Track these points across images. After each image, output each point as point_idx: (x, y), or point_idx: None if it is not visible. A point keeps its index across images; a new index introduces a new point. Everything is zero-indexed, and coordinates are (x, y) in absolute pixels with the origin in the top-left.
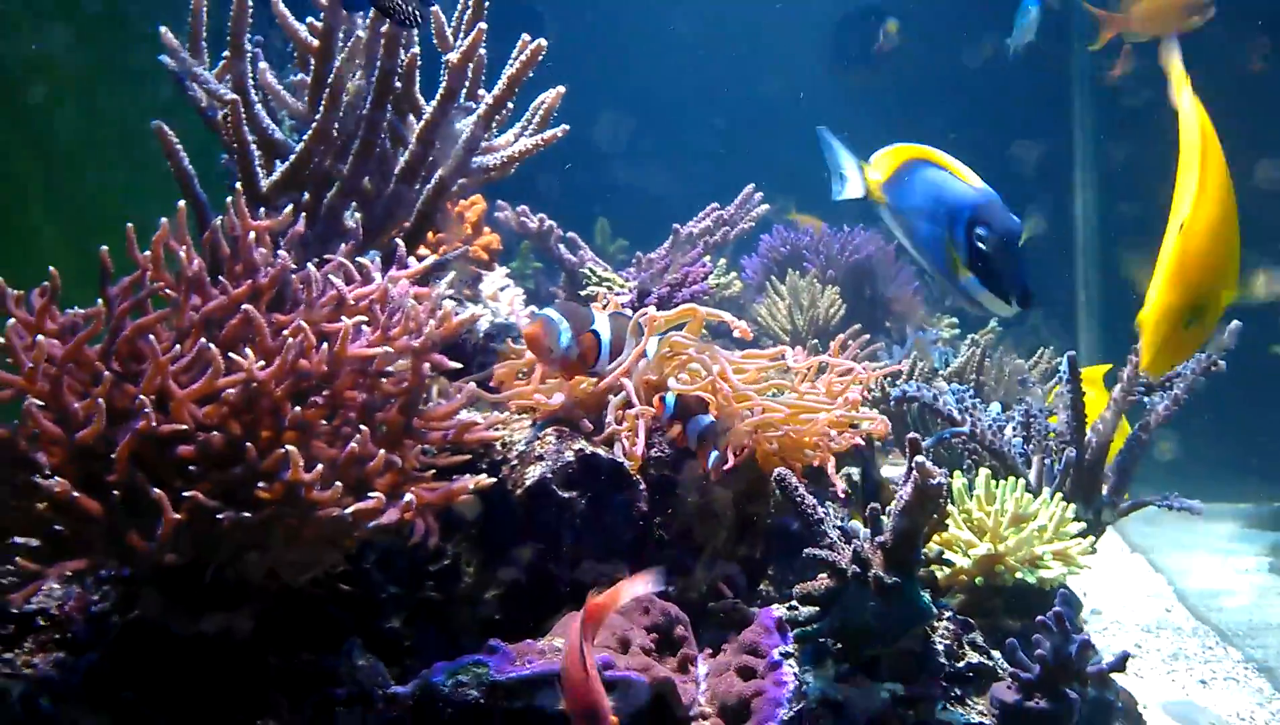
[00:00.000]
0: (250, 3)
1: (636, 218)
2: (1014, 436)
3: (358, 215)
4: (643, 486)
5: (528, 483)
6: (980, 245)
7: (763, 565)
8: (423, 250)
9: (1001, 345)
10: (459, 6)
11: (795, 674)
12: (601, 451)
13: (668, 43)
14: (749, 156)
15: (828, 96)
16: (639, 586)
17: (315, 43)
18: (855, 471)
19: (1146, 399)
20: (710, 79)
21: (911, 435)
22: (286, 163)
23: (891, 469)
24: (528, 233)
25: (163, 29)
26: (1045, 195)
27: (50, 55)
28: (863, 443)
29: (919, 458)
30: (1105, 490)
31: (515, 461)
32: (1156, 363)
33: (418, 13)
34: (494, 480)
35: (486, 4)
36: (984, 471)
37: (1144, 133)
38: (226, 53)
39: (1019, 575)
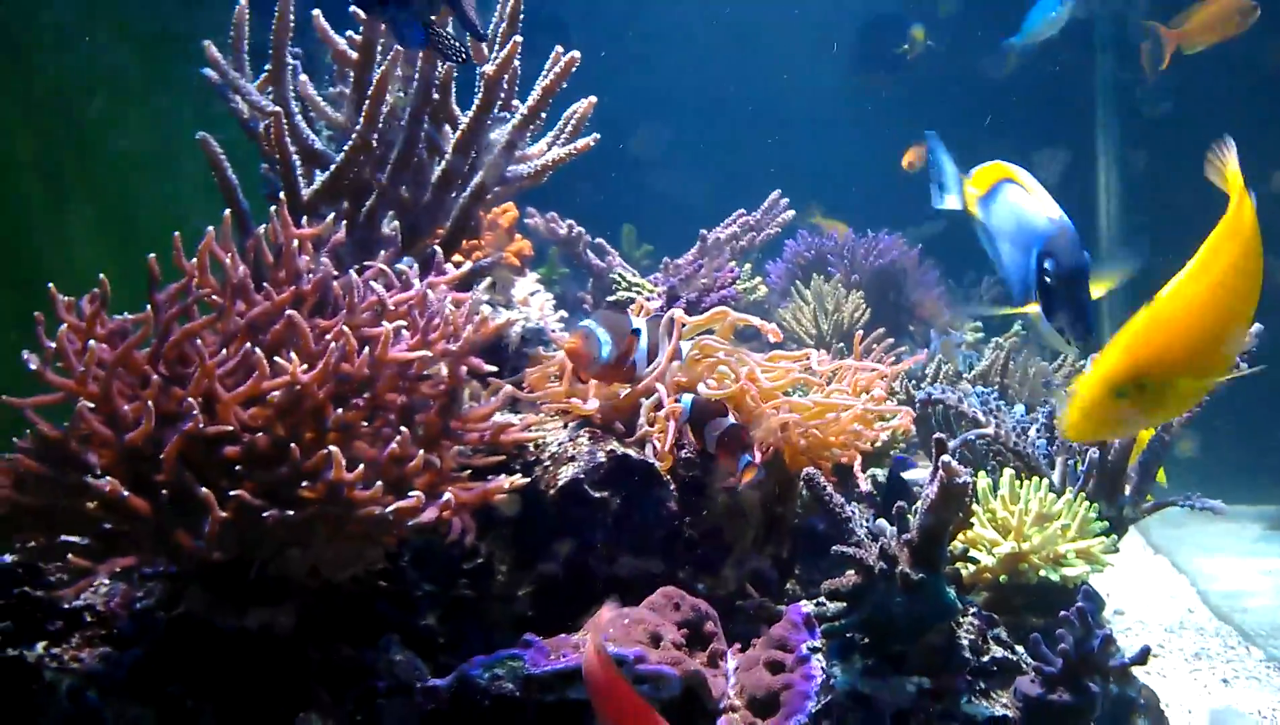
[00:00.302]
0: (291, 17)
1: (661, 224)
2: (1038, 438)
3: (395, 223)
4: (673, 486)
5: (561, 483)
6: (1046, 278)
7: (790, 564)
8: (456, 257)
9: (1026, 348)
10: (494, 20)
11: (823, 668)
12: (633, 452)
13: (690, 50)
14: (772, 161)
15: (850, 102)
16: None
17: (355, 55)
18: (880, 473)
19: None
20: (734, 85)
21: (938, 435)
22: (327, 172)
23: (915, 473)
24: (557, 239)
25: (206, 43)
26: (1066, 202)
27: (104, 71)
28: (887, 438)
29: (945, 457)
30: (1128, 490)
31: (548, 462)
32: (1075, 426)
33: (464, 49)
34: (528, 480)
35: (521, 19)
36: (1008, 471)
37: (1164, 143)
38: (268, 66)
39: (1042, 573)
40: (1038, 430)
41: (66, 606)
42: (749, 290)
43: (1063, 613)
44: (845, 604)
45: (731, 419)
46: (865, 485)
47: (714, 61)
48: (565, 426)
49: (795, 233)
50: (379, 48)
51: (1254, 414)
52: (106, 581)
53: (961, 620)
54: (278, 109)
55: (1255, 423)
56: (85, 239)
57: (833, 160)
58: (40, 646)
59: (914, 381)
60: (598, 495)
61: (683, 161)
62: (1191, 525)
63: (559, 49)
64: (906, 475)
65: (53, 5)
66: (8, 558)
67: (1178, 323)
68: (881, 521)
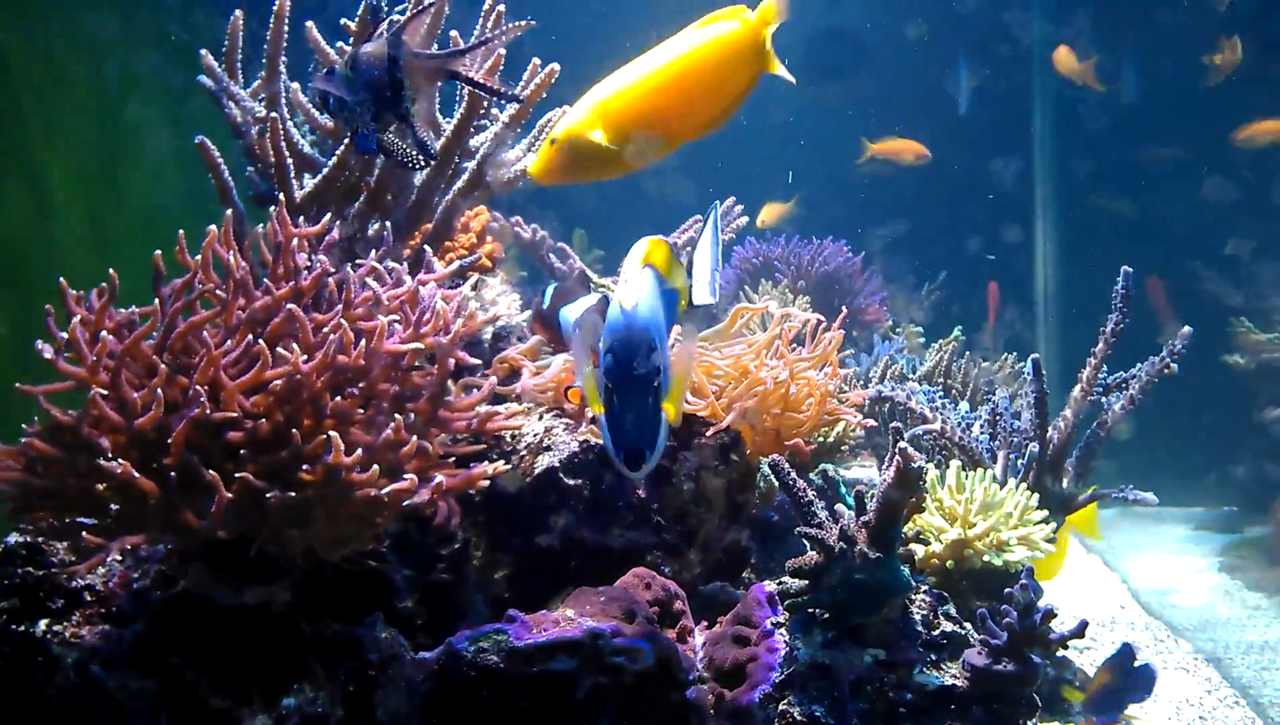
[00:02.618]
0: (286, 28)
1: (611, 230)
2: (981, 433)
3: (387, 223)
4: None
5: (537, 471)
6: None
7: (746, 553)
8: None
9: (967, 352)
10: (477, 29)
11: (786, 641)
12: None
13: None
14: (722, 168)
15: (801, 110)
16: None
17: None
18: (831, 468)
19: (1104, 399)
20: None
21: (894, 423)
22: (319, 176)
23: (861, 471)
24: (521, 242)
25: (203, 51)
26: (1016, 207)
27: (141, 76)
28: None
29: (902, 443)
30: (1065, 483)
31: (524, 452)
32: (541, 166)
33: (420, 156)
34: (510, 467)
35: (503, 34)
36: (955, 463)
37: (1104, 152)
38: (262, 73)
39: (986, 558)
40: (981, 426)
41: (70, 585)
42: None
43: (1007, 590)
44: (807, 581)
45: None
46: (816, 481)
47: None
48: (540, 417)
49: (744, 240)
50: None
51: (1183, 419)
52: (103, 566)
53: (914, 597)
54: (275, 115)
55: (1183, 428)
56: (73, 240)
57: (794, 165)
58: (43, 624)
59: (862, 382)
60: (571, 482)
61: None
62: (1122, 527)
63: (536, 61)
64: (846, 475)
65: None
66: (12, 538)
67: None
68: (840, 506)
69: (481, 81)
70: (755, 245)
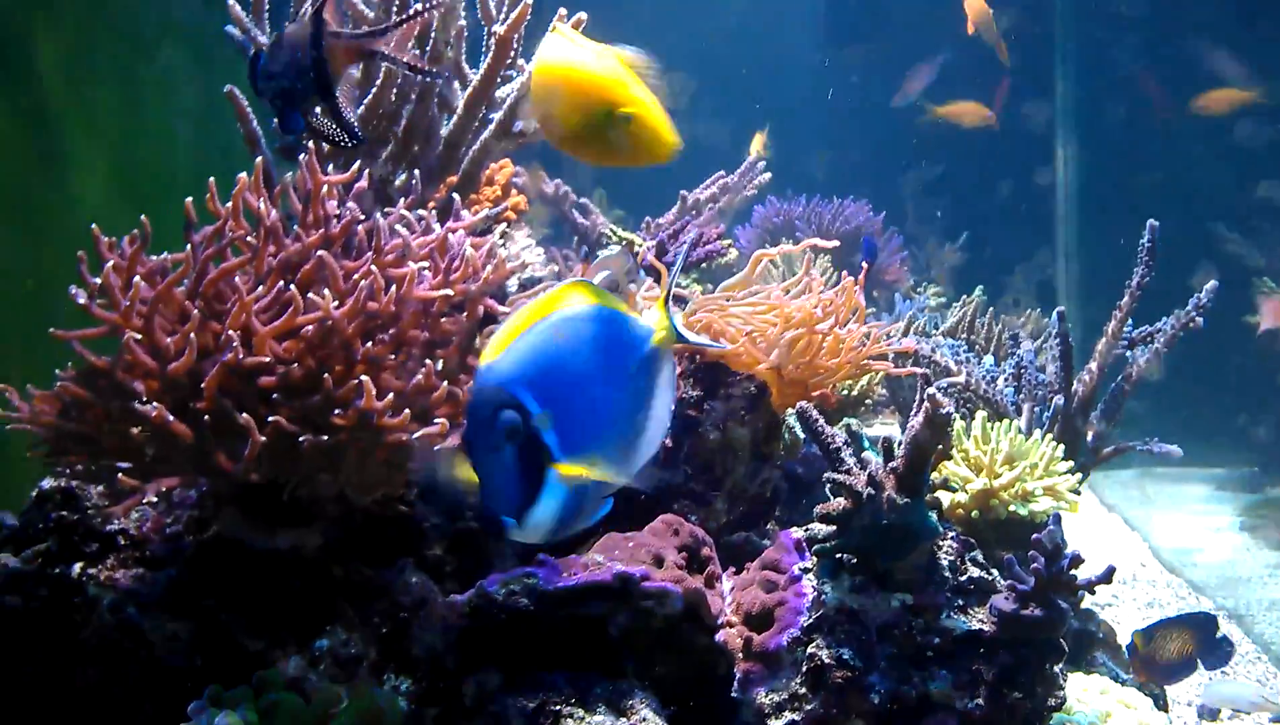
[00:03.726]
0: None
1: (632, 189)
2: (1005, 386)
3: (416, 172)
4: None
5: None
6: None
7: (772, 503)
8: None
9: (990, 309)
10: None
11: (814, 586)
12: None
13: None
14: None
15: (816, 72)
16: None
17: (371, 14)
18: (855, 422)
19: (1129, 353)
20: (704, 54)
21: (923, 370)
22: None
23: (884, 428)
24: (544, 197)
25: (231, 2)
26: (1047, 150)
27: (175, 71)
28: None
29: (931, 389)
30: (1090, 436)
31: None
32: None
33: (348, 135)
34: None
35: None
36: (980, 414)
37: (1136, 96)
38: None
39: (1012, 508)
40: (1005, 379)
41: (105, 530)
42: (720, 255)
43: (1035, 536)
44: (835, 527)
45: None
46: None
47: (687, 25)
48: None
49: (765, 199)
50: (394, 8)
51: (1204, 380)
52: (136, 509)
53: (941, 543)
54: None
55: (1205, 388)
56: (94, 192)
57: (828, 110)
58: (78, 567)
59: (885, 338)
60: None
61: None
62: (1143, 486)
63: (563, 10)
64: (869, 433)
65: None
66: (47, 483)
67: None
68: (867, 453)
69: (401, 60)
70: (776, 204)
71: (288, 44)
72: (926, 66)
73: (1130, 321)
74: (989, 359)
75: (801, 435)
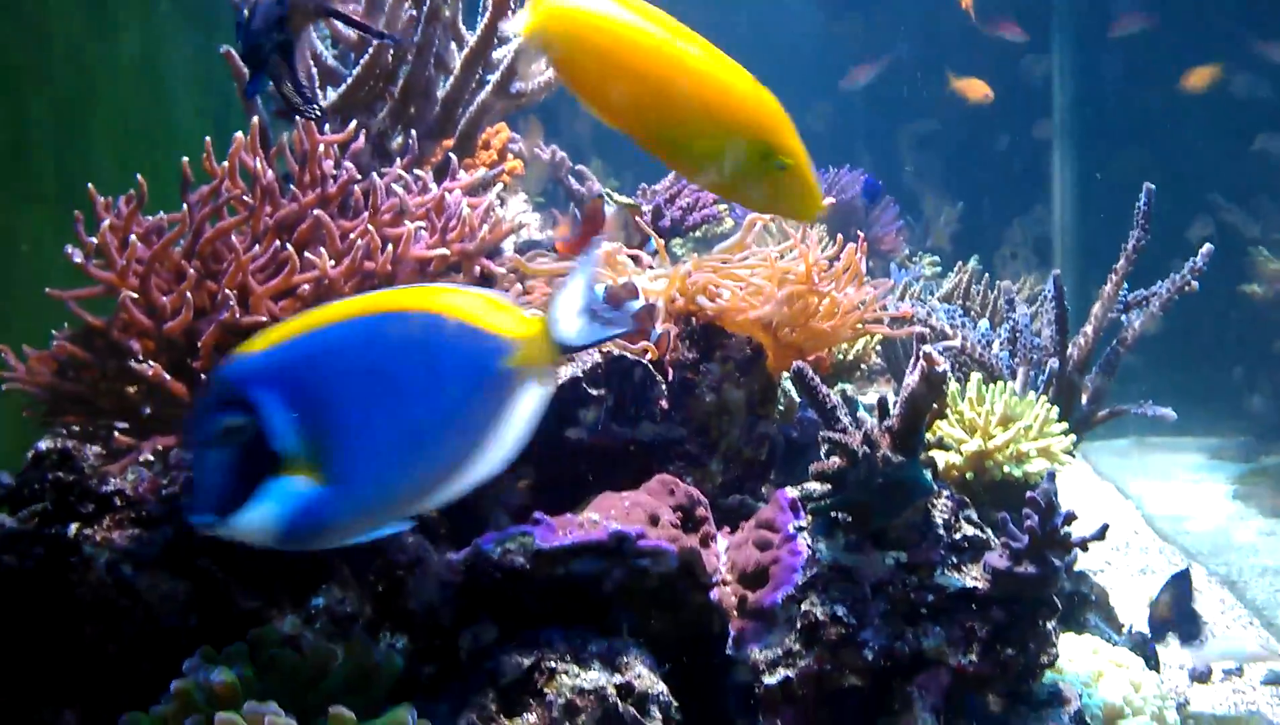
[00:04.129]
0: None
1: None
2: (1001, 351)
3: (413, 132)
4: (664, 386)
5: (560, 381)
6: None
7: (767, 466)
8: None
9: (985, 275)
10: None
11: (809, 544)
12: (628, 354)
13: None
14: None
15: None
16: None
17: None
18: (850, 387)
19: (1124, 316)
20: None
21: (919, 329)
22: (344, 85)
23: (878, 397)
24: (541, 163)
25: None
26: (1045, 105)
27: (173, 29)
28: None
29: (926, 347)
30: (1084, 398)
31: None
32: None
33: (312, 106)
34: None
35: None
36: (975, 376)
37: (1134, 51)
38: None
39: (1006, 469)
40: (1001, 344)
41: (101, 490)
42: (716, 221)
43: (1029, 494)
44: (830, 485)
45: (642, 300)
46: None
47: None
48: None
49: None
50: None
51: (1200, 349)
52: (133, 471)
53: (936, 502)
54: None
55: (1200, 357)
56: (99, 153)
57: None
58: (74, 527)
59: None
60: (595, 393)
61: None
62: (1136, 455)
63: None
64: (864, 401)
65: None
66: (43, 444)
67: None
68: (863, 413)
69: (359, 20)
70: None
71: (261, 6)
72: (873, 65)
73: (1126, 285)
74: (984, 323)
75: (797, 399)
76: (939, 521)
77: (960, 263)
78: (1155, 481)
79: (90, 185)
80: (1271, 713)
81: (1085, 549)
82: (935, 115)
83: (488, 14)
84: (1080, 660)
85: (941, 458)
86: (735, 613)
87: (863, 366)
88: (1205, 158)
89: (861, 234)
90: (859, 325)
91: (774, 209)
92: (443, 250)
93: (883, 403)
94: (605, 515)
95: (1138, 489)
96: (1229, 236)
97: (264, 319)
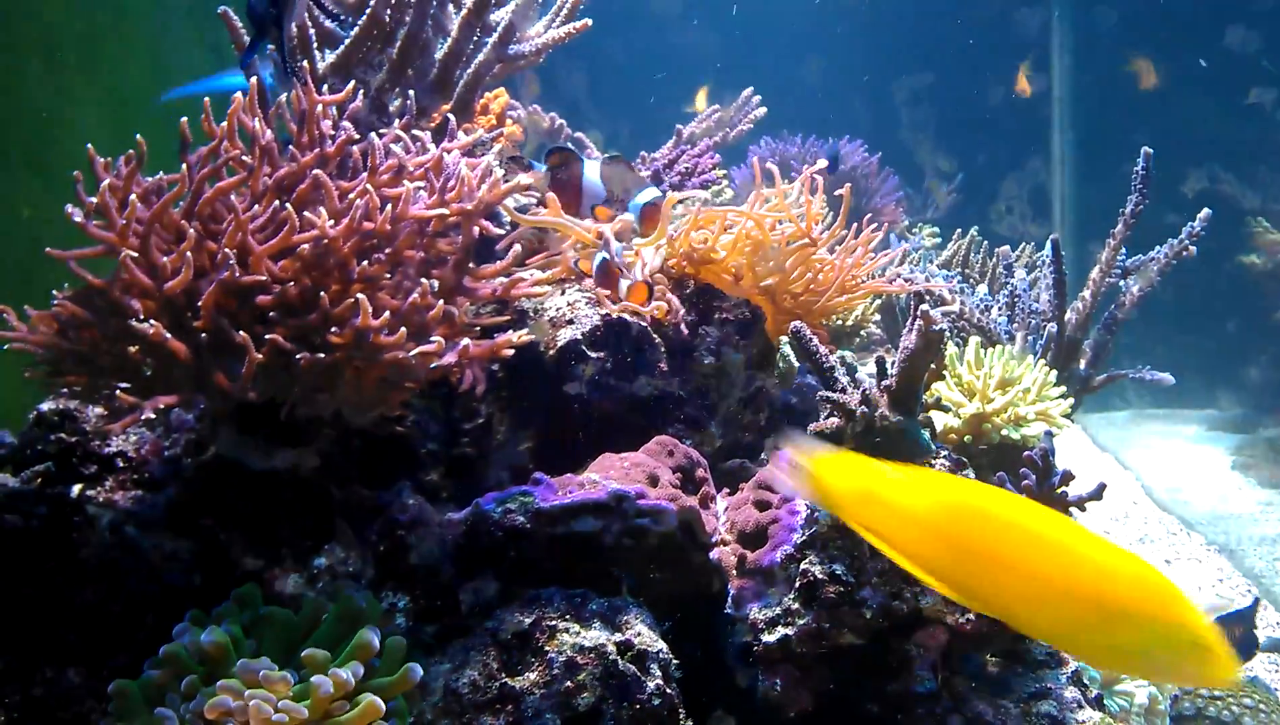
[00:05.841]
0: None
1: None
2: (999, 316)
3: (411, 93)
4: (663, 348)
5: (560, 343)
6: None
7: (766, 432)
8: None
9: (985, 243)
10: None
11: (807, 504)
12: (627, 316)
13: None
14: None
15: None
16: None
17: None
18: (849, 354)
19: (1122, 282)
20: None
21: (916, 288)
22: (342, 46)
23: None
24: (540, 131)
25: None
26: (1042, 59)
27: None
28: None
29: (924, 307)
30: (1083, 363)
31: (547, 325)
32: None
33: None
34: (532, 337)
35: None
36: (974, 340)
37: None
38: None
39: (1005, 432)
40: (999, 309)
41: (104, 452)
42: (717, 192)
43: (1026, 453)
44: (829, 445)
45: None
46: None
47: None
48: (563, 292)
49: (760, 139)
50: None
51: (1198, 320)
52: (135, 433)
53: (934, 462)
54: None
55: (1198, 329)
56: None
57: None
58: (77, 488)
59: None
60: (594, 355)
61: (653, 66)
62: (1135, 427)
63: None
64: (863, 370)
65: None
66: (45, 405)
67: None
68: (861, 373)
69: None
70: (771, 143)
71: None
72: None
73: (1124, 250)
74: (982, 288)
75: (796, 364)
76: None
77: (959, 231)
78: (1154, 453)
79: (89, 145)
80: (1270, 679)
81: (1083, 508)
82: (931, 68)
83: None
84: None
85: (940, 420)
86: (735, 572)
87: (861, 333)
88: (1202, 115)
89: (828, 173)
90: (858, 281)
91: (1171, 677)
92: (442, 210)
93: (881, 362)
94: (605, 475)
95: (1136, 460)
96: (1226, 207)
97: (263, 279)
